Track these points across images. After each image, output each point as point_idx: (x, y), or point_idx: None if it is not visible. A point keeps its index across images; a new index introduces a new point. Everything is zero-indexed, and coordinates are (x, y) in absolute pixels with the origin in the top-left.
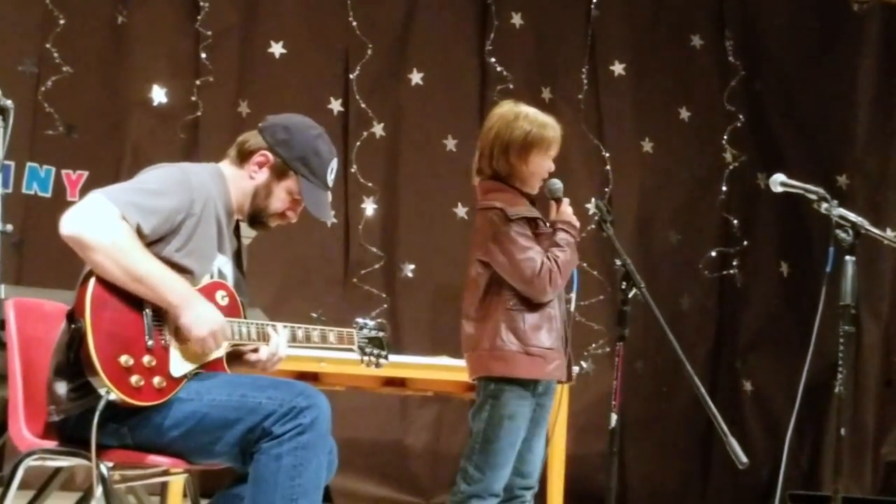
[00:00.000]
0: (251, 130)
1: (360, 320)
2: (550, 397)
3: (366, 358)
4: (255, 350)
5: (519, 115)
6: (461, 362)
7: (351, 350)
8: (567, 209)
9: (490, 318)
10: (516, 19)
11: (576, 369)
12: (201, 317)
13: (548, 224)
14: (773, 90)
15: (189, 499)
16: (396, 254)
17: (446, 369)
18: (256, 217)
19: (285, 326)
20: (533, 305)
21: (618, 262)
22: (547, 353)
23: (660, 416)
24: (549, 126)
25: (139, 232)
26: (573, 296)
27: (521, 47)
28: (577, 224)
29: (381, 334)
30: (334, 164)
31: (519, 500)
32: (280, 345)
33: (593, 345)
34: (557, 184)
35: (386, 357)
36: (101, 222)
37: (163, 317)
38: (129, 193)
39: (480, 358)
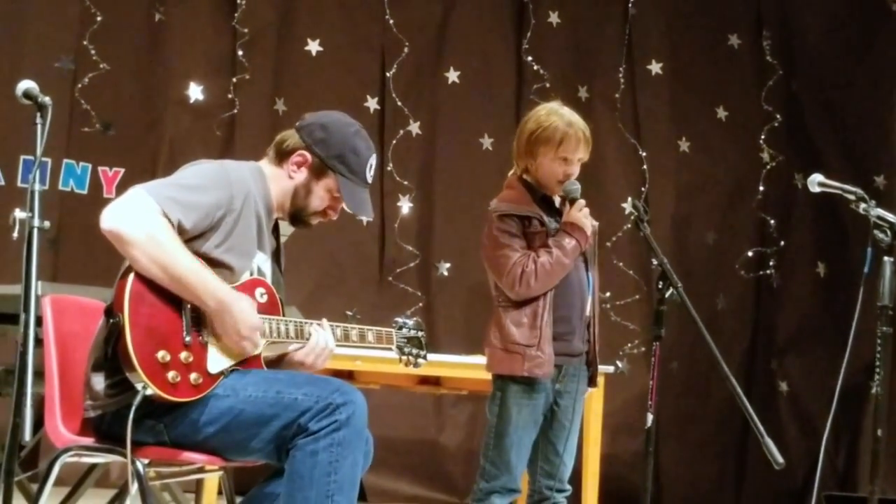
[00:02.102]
0: (289, 129)
1: (399, 319)
2: (572, 398)
3: (405, 357)
4: (303, 346)
5: (538, 112)
6: None
7: (389, 349)
8: (576, 212)
9: (492, 315)
10: (553, 18)
11: (610, 369)
12: (235, 321)
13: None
14: (810, 90)
15: (224, 496)
16: (432, 252)
17: (481, 368)
18: (297, 216)
19: (318, 324)
20: (516, 302)
21: (654, 262)
22: (524, 350)
23: (695, 417)
24: (560, 125)
25: (180, 228)
26: (590, 298)
27: (558, 46)
28: (585, 226)
29: (419, 334)
30: (373, 161)
31: (551, 502)
32: (329, 340)
33: (629, 344)
34: (573, 185)
35: (425, 357)
36: (140, 217)
37: (201, 313)
38: (169, 189)
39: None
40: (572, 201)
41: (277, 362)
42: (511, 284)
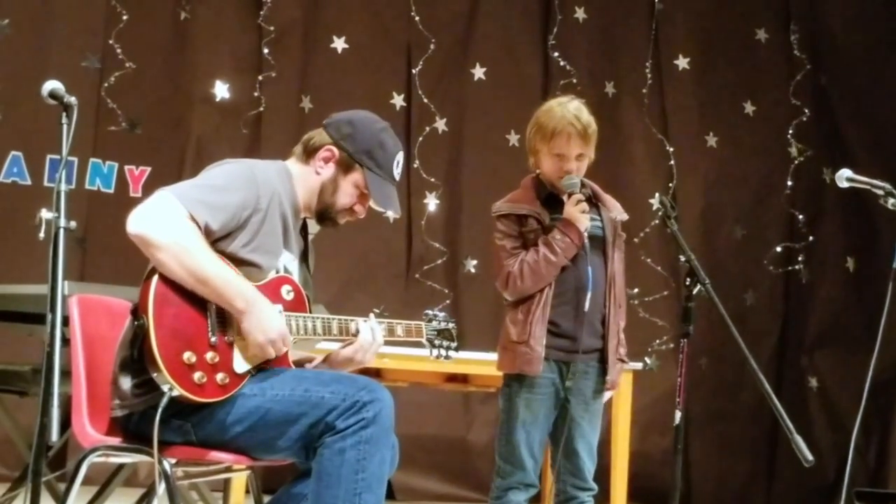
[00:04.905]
0: (316, 128)
1: (429, 312)
2: (583, 395)
3: (435, 351)
4: (349, 343)
5: (544, 106)
6: None
7: (419, 343)
8: (569, 207)
9: None
10: (580, 13)
11: (638, 366)
12: (262, 323)
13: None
14: (838, 84)
15: (251, 495)
16: (459, 249)
17: None
18: (325, 213)
19: (365, 320)
20: (514, 301)
21: (682, 258)
22: (515, 347)
23: (724, 414)
24: (555, 119)
25: (207, 229)
26: (589, 294)
27: (585, 41)
28: (578, 220)
29: (450, 325)
30: (400, 157)
31: (576, 501)
32: (377, 335)
33: (657, 341)
34: (570, 179)
35: (456, 349)
36: (167, 221)
37: (227, 313)
38: (196, 190)
39: None
40: (570, 196)
41: (323, 362)
42: (502, 285)
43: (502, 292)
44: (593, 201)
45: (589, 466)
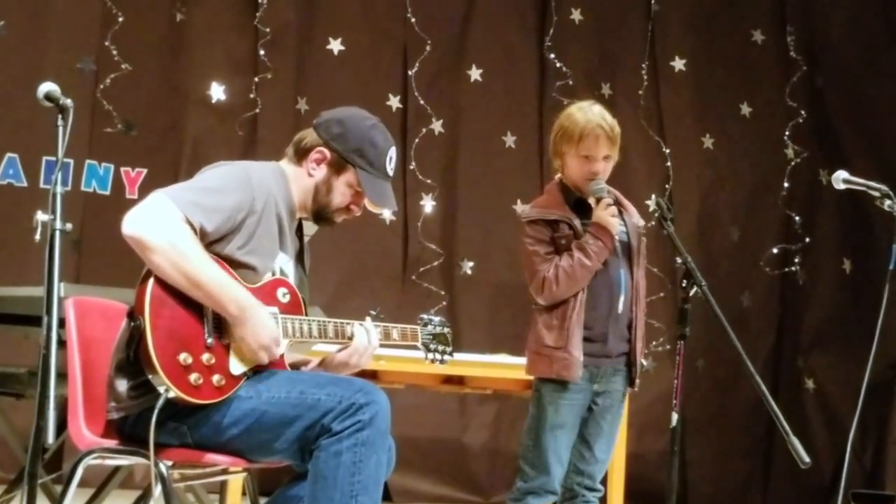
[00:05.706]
0: (308, 128)
1: (424, 316)
2: (611, 398)
3: (430, 355)
4: (345, 347)
5: (566, 110)
6: (520, 360)
7: (414, 347)
8: (600, 212)
9: (529, 317)
10: (576, 14)
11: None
12: (256, 329)
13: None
14: (835, 85)
15: (248, 497)
16: (455, 251)
17: (505, 367)
18: (321, 214)
19: (361, 323)
20: (547, 306)
21: (678, 260)
22: (552, 352)
23: (721, 415)
24: (580, 121)
25: (202, 231)
26: (622, 297)
27: (581, 43)
28: (610, 225)
29: (445, 330)
30: (393, 153)
31: (581, 500)
32: (373, 338)
33: (654, 343)
34: (598, 184)
35: (451, 354)
36: (162, 224)
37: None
38: (190, 193)
39: None
40: (598, 201)
41: (319, 366)
42: (536, 291)
43: (536, 297)
44: (618, 207)
45: (602, 468)
